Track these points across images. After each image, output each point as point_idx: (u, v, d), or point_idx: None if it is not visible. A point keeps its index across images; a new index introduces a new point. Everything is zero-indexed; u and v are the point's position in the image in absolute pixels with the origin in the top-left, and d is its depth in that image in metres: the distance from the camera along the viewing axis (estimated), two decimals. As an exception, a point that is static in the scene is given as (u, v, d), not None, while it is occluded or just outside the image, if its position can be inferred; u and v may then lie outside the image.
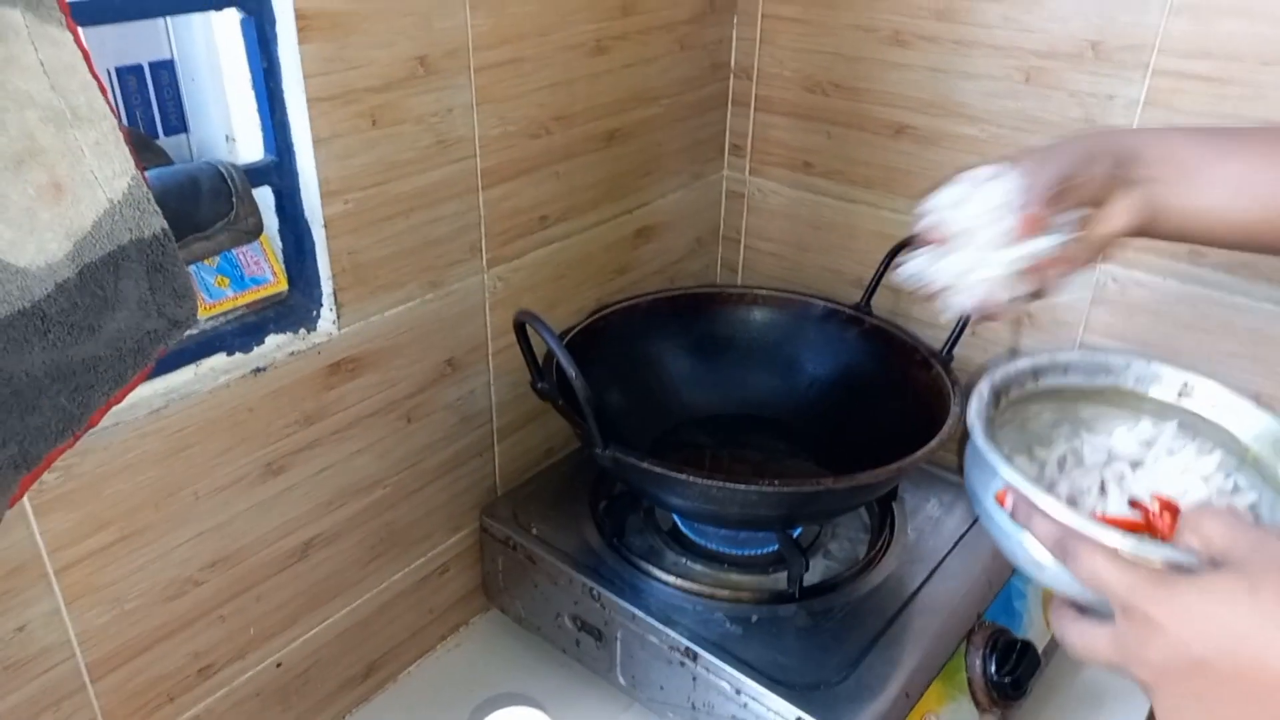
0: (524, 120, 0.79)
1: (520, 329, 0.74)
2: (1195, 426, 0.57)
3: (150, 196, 0.53)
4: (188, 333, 0.58)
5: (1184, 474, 0.55)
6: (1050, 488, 0.53)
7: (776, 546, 0.79)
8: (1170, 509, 0.49)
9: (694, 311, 0.93)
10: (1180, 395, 0.58)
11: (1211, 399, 0.57)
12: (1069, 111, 0.84)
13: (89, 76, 0.49)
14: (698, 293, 0.95)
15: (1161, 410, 0.59)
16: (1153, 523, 0.49)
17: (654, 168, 0.97)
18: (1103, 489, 0.54)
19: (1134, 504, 0.52)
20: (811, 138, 1.01)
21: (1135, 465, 0.56)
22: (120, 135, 0.51)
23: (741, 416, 0.93)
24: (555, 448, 0.96)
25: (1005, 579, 0.80)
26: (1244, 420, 0.56)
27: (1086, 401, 0.61)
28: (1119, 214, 0.53)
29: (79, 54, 0.49)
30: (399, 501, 0.80)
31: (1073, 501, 0.53)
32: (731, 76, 1.04)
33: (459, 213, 0.76)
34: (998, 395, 0.56)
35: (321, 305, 0.68)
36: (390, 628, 0.84)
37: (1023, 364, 0.58)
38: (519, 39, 0.76)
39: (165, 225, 0.54)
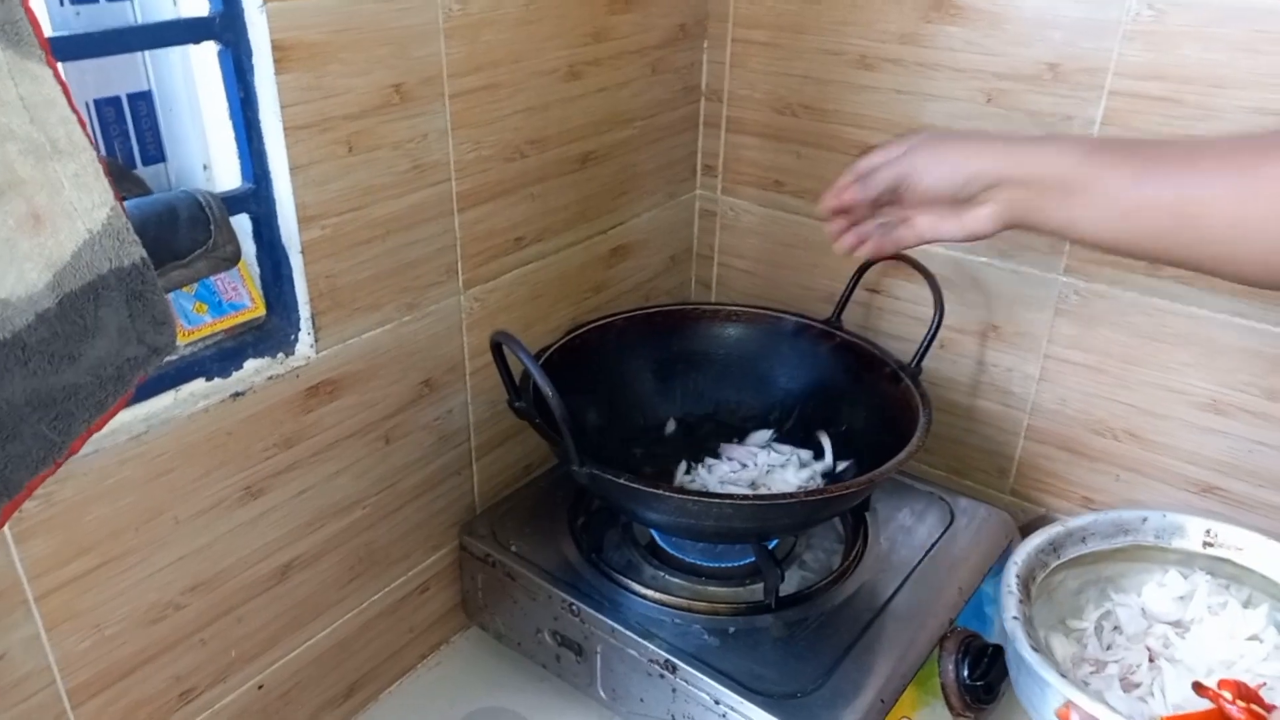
0: (499, 144, 0.81)
1: (497, 349, 0.75)
2: (1224, 572, 0.57)
3: (129, 226, 0.54)
4: (167, 359, 0.59)
5: (1233, 638, 0.54)
6: (1100, 671, 0.53)
7: (753, 558, 0.81)
8: (1247, 696, 0.48)
9: (668, 328, 0.95)
10: (1205, 545, 0.58)
11: (1239, 544, 0.57)
12: (1030, 131, 0.87)
13: (68, 110, 0.50)
14: (671, 310, 0.96)
15: (1187, 559, 0.59)
16: (1227, 713, 0.48)
17: (628, 188, 0.99)
18: (1151, 659, 0.54)
19: (1200, 689, 0.50)
20: (782, 158, 1.03)
21: (1179, 629, 0.55)
22: (99, 167, 0.52)
23: (716, 431, 0.95)
24: (533, 465, 0.97)
25: (975, 586, 0.81)
26: (1277, 561, 0.56)
27: (1108, 561, 0.61)
28: (985, 218, 0.61)
29: (58, 88, 0.50)
30: (378, 522, 0.81)
31: (1127, 684, 0.53)
32: (703, 99, 1.06)
33: (435, 235, 0.78)
34: (1026, 586, 0.57)
35: (299, 329, 0.69)
36: (370, 647, 0.84)
37: (1039, 540, 0.59)
38: (493, 66, 0.78)
39: (144, 254, 0.55)
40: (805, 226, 1.04)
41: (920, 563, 0.82)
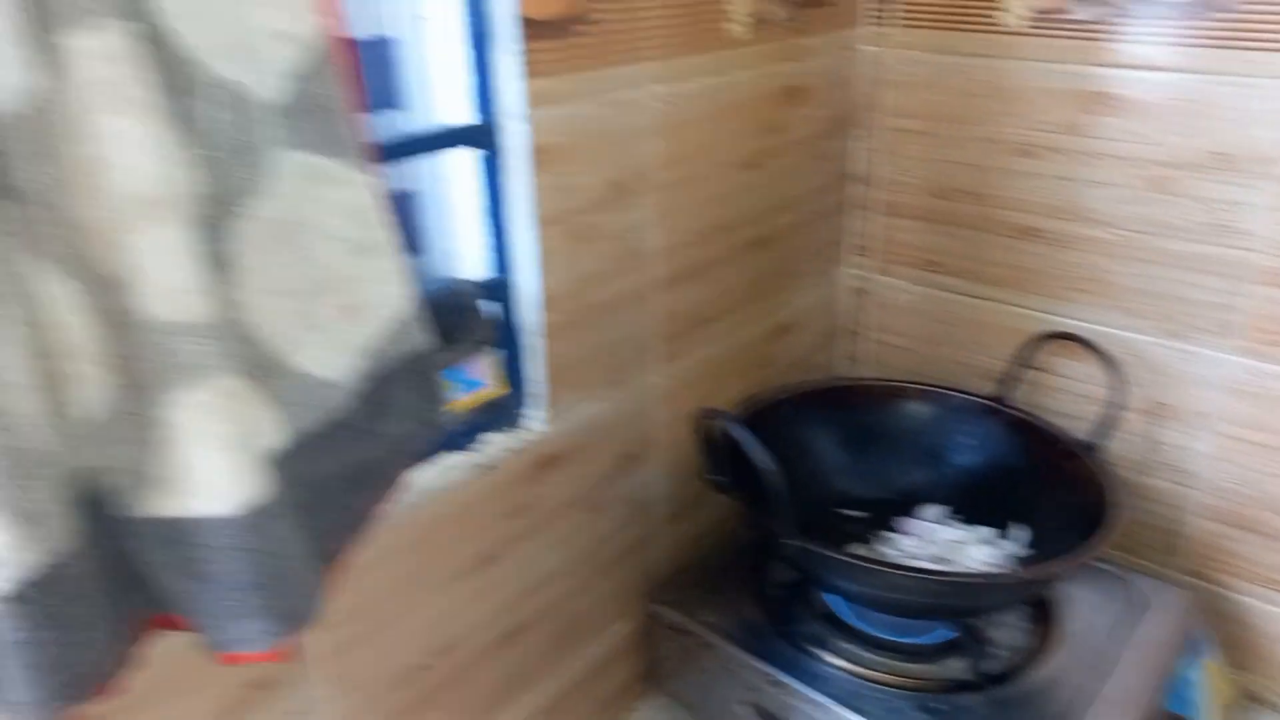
0: (693, 231, 0.86)
1: (700, 423, 0.79)
2: None
3: (421, 315, 0.60)
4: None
5: None
6: None
7: (938, 634, 0.81)
8: None
9: (840, 402, 0.98)
10: None
11: None
12: (1195, 216, 0.89)
13: (382, 212, 0.56)
14: (842, 385, 0.99)
15: None
16: None
17: (791, 269, 1.04)
18: None
19: None
20: (938, 239, 1.07)
21: None
22: (403, 262, 0.58)
23: (887, 503, 0.96)
24: (708, 534, 0.99)
25: (1172, 669, 0.81)
26: None
27: None
28: None
29: (376, 194, 0.56)
30: (579, 590, 0.84)
31: None
32: (857, 184, 1.11)
33: (640, 317, 0.82)
34: None
35: (535, 406, 0.74)
36: (566, 718, 0.87)
37: None
38: (690, 159, 0.83)
39: (430, 340, 0.60)
40: (963, 305, 1.06)
41: (1118, 646, 0.82)
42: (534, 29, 0.65)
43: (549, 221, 0.71)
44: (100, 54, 0.44)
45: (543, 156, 0.69)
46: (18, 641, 0.42)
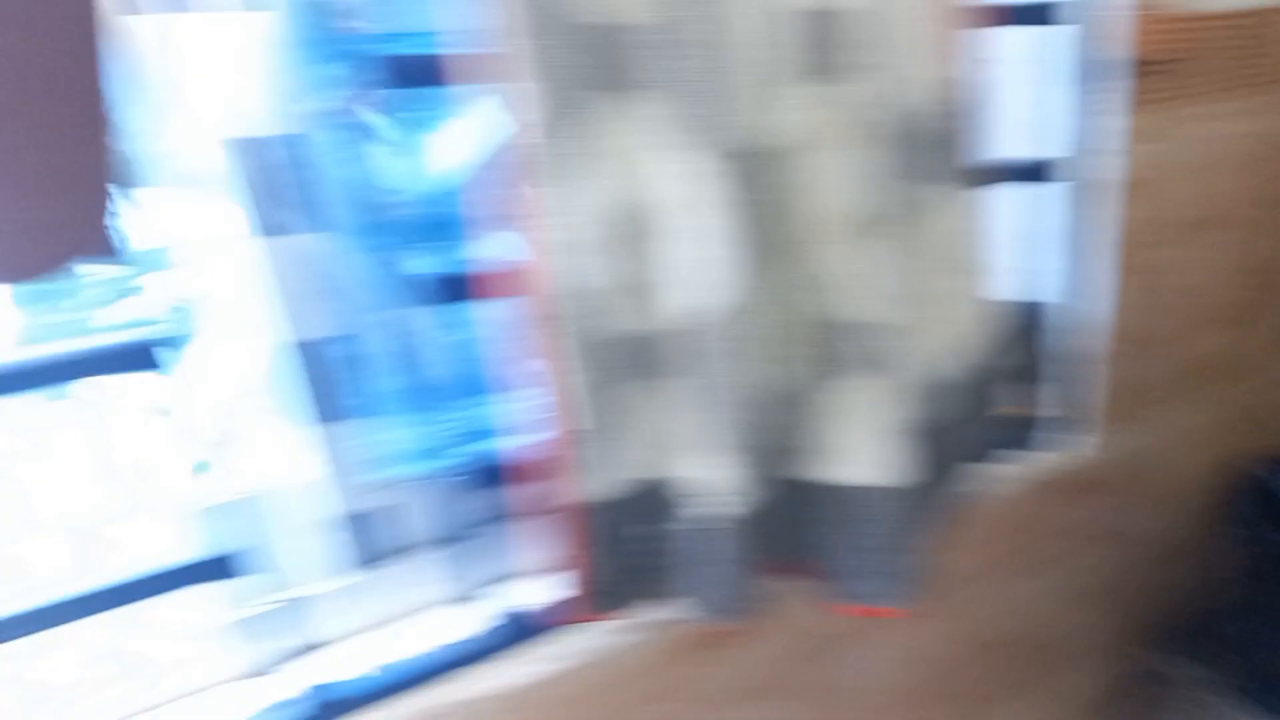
0: (1237, 270, 0.82)
1: (1242, 471, 0.75)
2: None
3: (992, 332, 0.64)
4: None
5: None
6: None
7: None
8: None
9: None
10: None
11: None
12: None
13: (976, 234, 0.61)
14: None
15: None
16: None
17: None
18: None
19: None
20: None
21: None
22: (987, 282, 0.62)
23: None
24: (1209, 586, 0.93)
25: None
26: None
27: None
28: None
29: (977, 217, 0.60)
30: (1068, 621, 0.84)
31: None
32: None
33: (1176, 354, 0.80)
34: None
35: (1082, 431, 0.75)
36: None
37: None
38: (1246, 198, 0.79)
39: (993, 354, 0.64)
40: None
41: None
42: (1137, 69, 0.67)
43: (1122, 253, 0.72)
44: (825, 101, 0.53)
45: (1128, 190, 0.70)
46: (729, 559, 0.53)
